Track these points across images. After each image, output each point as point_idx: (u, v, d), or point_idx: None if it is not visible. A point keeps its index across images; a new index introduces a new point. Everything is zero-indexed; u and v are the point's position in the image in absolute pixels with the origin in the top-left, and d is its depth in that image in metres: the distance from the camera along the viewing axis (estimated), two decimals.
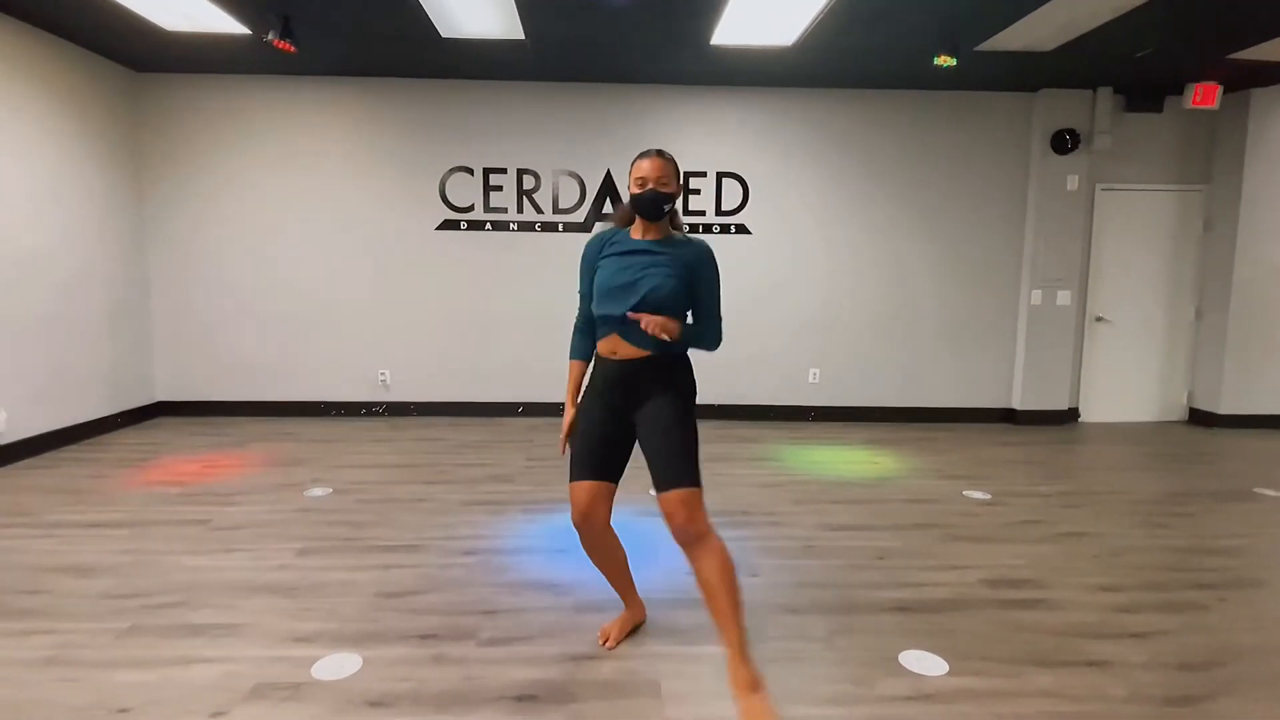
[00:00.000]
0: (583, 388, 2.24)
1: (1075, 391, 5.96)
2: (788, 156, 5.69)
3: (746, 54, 4.77)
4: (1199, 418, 5.89)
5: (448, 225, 5.63)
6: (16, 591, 2.61)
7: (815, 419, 5.88)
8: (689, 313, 2.19)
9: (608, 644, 2.27)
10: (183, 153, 5.46)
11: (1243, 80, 5.33)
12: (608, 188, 5.64)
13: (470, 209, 5.63)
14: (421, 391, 5.75)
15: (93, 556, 2.92)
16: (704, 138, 5.64)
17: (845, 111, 5.65)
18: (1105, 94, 5.53)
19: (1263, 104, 5.46)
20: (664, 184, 2.07)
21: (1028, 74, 5.25)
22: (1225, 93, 5.47)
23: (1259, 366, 5.69)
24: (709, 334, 2.20)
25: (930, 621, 2.47)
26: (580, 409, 2.19)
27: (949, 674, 2.14)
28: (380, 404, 5.74)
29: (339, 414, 5.71)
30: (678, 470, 1.98)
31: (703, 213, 5.70)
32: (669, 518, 1.96)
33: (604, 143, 5.61)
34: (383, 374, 5.71)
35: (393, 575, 2.77)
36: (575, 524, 2.16)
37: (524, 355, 5.74)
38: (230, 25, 4.35)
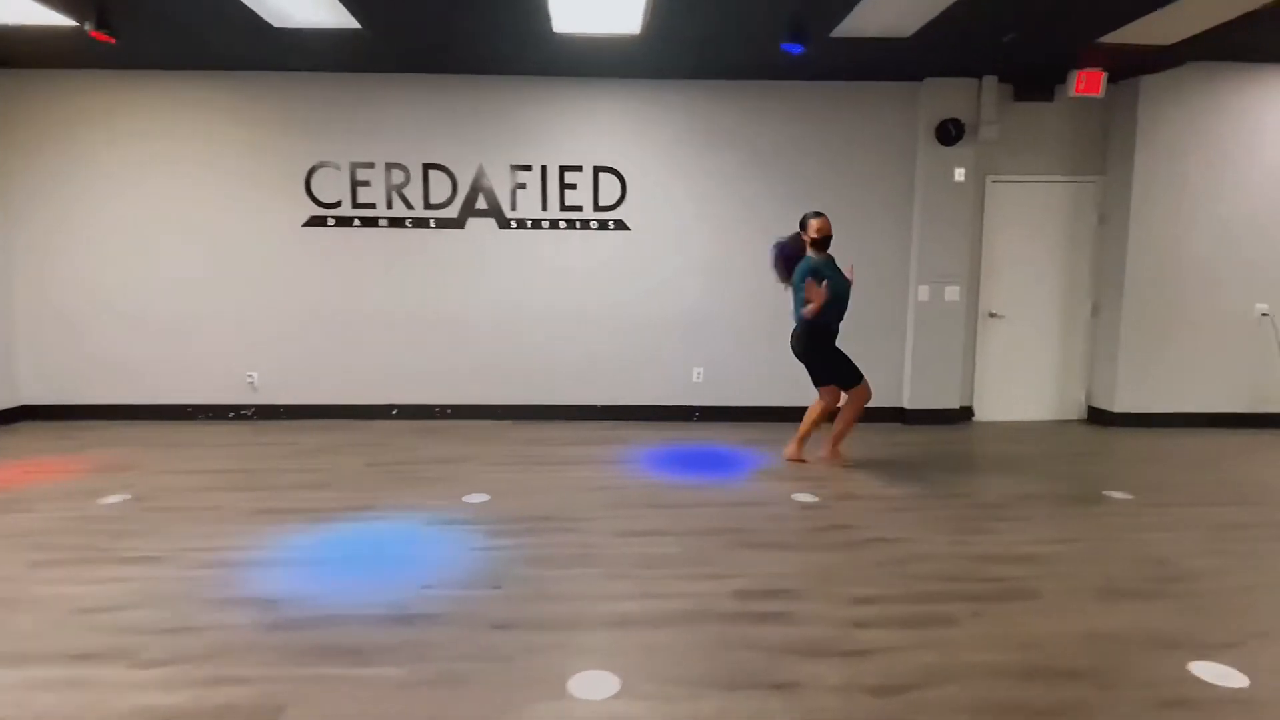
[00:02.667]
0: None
1: (969, 390, 5.77)
2: (667, 150, 5.52)
3: (595, 42, 4.60)
4: (1097, 416, 5.70)
5: (315, 222, 5.48)
6: None
7: (701, 419, 5.71)
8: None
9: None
10: (40, 149, 5.32)
11: (1131, 67, 5.14)
12: (480, 183, 5.48)
13: (337, 205, 5.47)
14: (291, 394, 5.59)
15: None
16: (579, 130, 5.48)
17: (727, 104, 5.47)
18: (991, 83, 5.34)
19: (1152, 91, 5.27)
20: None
21: (910, 63, 5.07)
22: (1115, 80, 5.29)
23: (1153, 363, 5.49)
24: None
25: (644, 637, 2.30)
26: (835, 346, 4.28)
27: (614, 696, 1.97)
28: (249, 406, 5.59)
29: (207, 417, 5.57)
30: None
31: (580, 208, 5.54)
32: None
33: (477, 136, 5.45)
34: (250, 376, 5.56)
35: (106, 590, 2.61)
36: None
37: (397, 356, 5.59)
38: (52, 17, 4.20)
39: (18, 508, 3.49)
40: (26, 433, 5.11)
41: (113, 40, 4.22)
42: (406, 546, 3.05)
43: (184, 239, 5.43)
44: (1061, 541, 3.18)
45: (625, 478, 4.09)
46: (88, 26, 4.12)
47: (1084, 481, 4.11)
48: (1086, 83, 5.08)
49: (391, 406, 5.63)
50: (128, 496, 3.67)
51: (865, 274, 5.67)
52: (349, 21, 4.32)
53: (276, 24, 4.35)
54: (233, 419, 5.58)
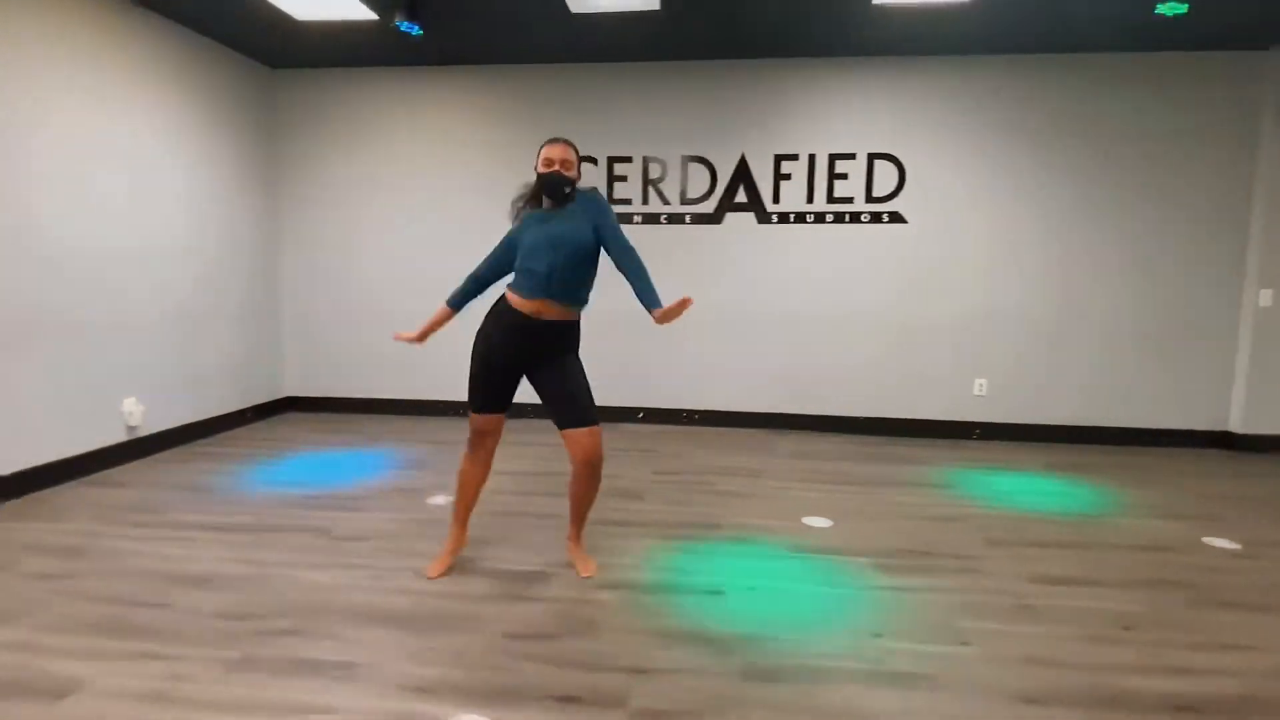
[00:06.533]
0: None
1: None
2: (951, 135, 4.96)
3: (918, 14, 4.13)
4: None
5: None
6: (136, 604, 2.44)
7: (981, 436, 5.11)
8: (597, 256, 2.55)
9: (431, 575, 2.62)
10: (314, 149, 5.45)
11: None
12: (741, 174, 5.13)
13: None
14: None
15: (211, 565, 2.75)
16: (851, 115, 5.02)
17: (1019, 81, 4.85)
18: None
19: None
20: (568, 168, 2.51)
21: (1256, 26, 4.28)
22: None
23: None
24: (638, 267, 2.51)
25: None
26: (486, 351, 2.53)
27: None
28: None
29: (460, 414, 5.53)
30: (585, 411, 2.52)
31: (850, 199, 5.08)
32: (581, 448, 2.49)
33: (737, 126, 5.11)
34: None
35: (520, 611, 2.40)
36: (473, 444, 2.62)
37: (643, 357, 5.34)
38: (359, 11, 4.20)
39: (354, 506, 3.43)
40: (296, 424, 5.22)
41: (420, 34, 4.18)
42: (804, 581, 2.70)
43: (451, 234, 5.39)
44: None
45: (969, 505, 3.59)
46: (397, 20, 4.08)
47: None
48: None
49: (638, 410, 5.39)
50: (452, 498, 3.54)
51: (1184, 274, 4.89)
52: (652, 4, 4.07)
53: (575, 9, 4.16)
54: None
